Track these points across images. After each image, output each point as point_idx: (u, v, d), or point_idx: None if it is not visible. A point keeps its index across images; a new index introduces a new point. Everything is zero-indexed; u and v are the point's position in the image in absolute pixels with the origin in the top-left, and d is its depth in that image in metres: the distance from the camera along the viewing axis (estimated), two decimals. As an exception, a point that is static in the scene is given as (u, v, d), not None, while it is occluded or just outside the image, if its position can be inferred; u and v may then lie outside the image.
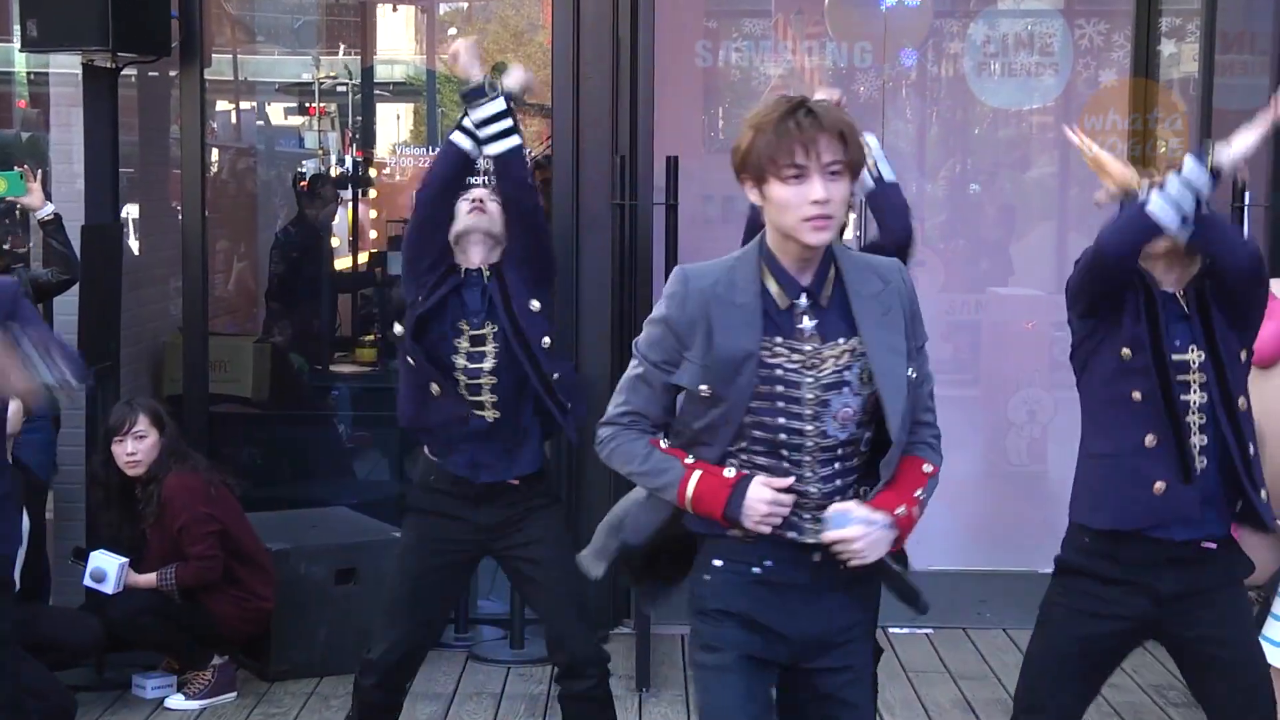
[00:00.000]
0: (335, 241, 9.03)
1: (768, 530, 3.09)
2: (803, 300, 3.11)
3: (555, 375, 4.57)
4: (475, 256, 4.57)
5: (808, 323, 3.11)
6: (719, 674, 3.21)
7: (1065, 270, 7.37)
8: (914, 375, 3.14)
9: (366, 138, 9.65)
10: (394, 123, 10.82)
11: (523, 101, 4.58)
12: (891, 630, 6.81)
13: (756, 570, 3.18)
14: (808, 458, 3.13)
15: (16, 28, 6.44)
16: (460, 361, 4.50)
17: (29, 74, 8.75)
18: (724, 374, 3.09)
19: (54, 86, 7.02)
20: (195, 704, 5.90)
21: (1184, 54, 7.38)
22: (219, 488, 5.97)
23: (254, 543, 6.06)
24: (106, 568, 5.74)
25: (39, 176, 6.31)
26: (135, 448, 5.86)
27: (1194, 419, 3.82)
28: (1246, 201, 6.29)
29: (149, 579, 5.80)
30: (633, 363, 3.24)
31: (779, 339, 3.10)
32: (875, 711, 3.42)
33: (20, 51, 6.72)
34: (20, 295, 4.08)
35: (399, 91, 10.36)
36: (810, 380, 3.10)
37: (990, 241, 7.52)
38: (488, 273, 4.56)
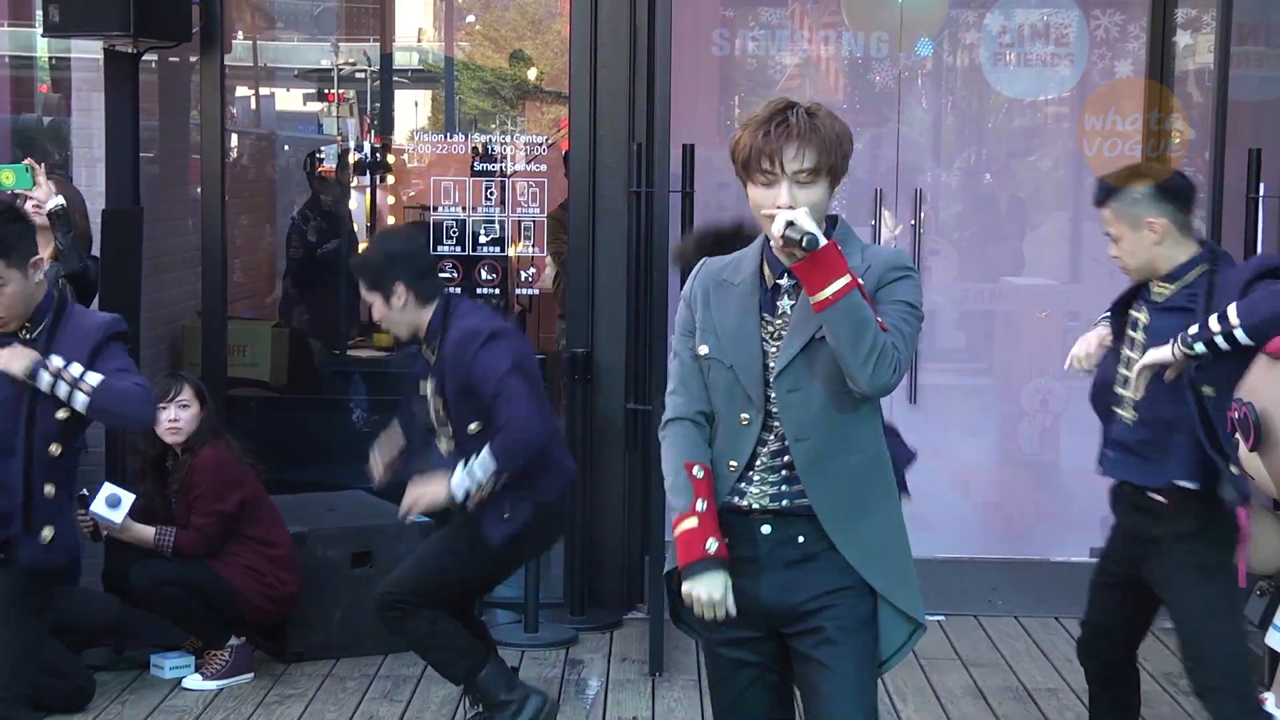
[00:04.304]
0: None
1: (697, 612, 3.30)
2: (784, 281, 3.27)
3: None
4: None
5: (785, 302, 3.26)
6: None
7: (1078, 260, 7.47)
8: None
9: (385, 124, 9.68)
10: (412, 109, 10.85)
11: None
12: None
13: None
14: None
15: (39, 13, 6.49)
16: None
17: (51, 59, 8.77)
18: (725, 343, 3.29)
19: (75, 71, 7.07)
20: (213, 684, 5.96)
21: (1200, 45, 7.39)
22: (247, 469, 6.04)
23: (278, 527, 6.11)
24: (122, 496, 5.78)
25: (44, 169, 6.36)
26: (178, 415, 5.94)
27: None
28: (1261, 192, 6.30)
29: (146, 531, 5.86)
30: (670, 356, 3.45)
31: (764, 315, 3.28)
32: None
33: (42, 36, 6.80)
34: (109, 338, 4.31)
35: (417, 78, 10.39)
36: (774, 350, 3.26)
37: (1004, 231, 7.54)
38: None
